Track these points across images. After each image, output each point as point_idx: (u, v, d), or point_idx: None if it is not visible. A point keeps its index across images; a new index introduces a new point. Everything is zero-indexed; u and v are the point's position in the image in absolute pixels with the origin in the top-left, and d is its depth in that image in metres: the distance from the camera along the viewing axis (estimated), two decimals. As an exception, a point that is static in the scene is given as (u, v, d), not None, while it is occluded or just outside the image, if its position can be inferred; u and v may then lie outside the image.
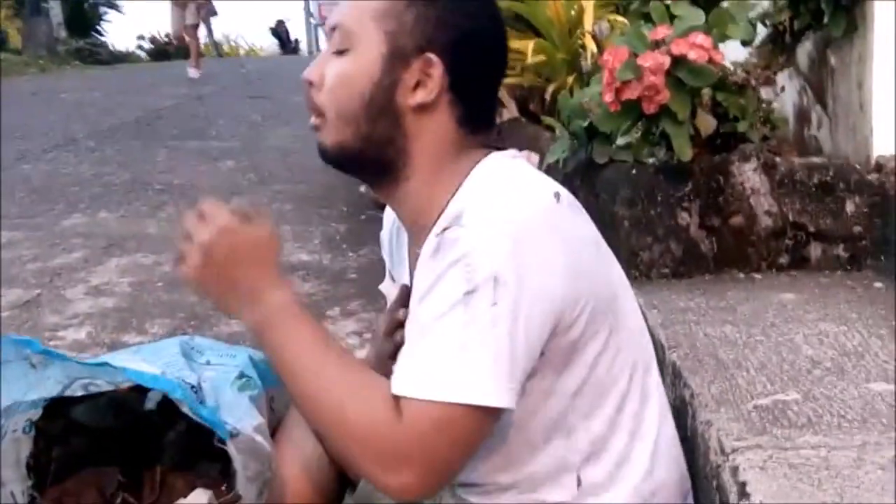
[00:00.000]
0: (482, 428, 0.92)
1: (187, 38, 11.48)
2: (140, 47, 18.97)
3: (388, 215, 1.27)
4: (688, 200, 2.08)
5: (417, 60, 1.03)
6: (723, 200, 2.09)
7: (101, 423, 1.48)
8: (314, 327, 1.02)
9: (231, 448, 1.19)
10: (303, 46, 23.61)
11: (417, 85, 1.03)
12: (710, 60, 2.01)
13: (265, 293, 1.01)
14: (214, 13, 12.41)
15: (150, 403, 1.46)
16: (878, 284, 1.88)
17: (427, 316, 0.92)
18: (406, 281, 1.19)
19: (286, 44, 22.55)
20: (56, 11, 16.53)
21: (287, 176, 4.92)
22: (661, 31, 2.04)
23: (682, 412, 1.28)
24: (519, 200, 0.96)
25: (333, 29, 1.07)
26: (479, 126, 1.08)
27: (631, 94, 2.03)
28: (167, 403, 1.42)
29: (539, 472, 1.03)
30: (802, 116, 2.52)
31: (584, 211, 1.06)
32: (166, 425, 1.49)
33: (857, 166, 2.08)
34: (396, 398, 0.91)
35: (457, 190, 1.02)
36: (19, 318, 2.69)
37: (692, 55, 1.99)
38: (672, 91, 2.02)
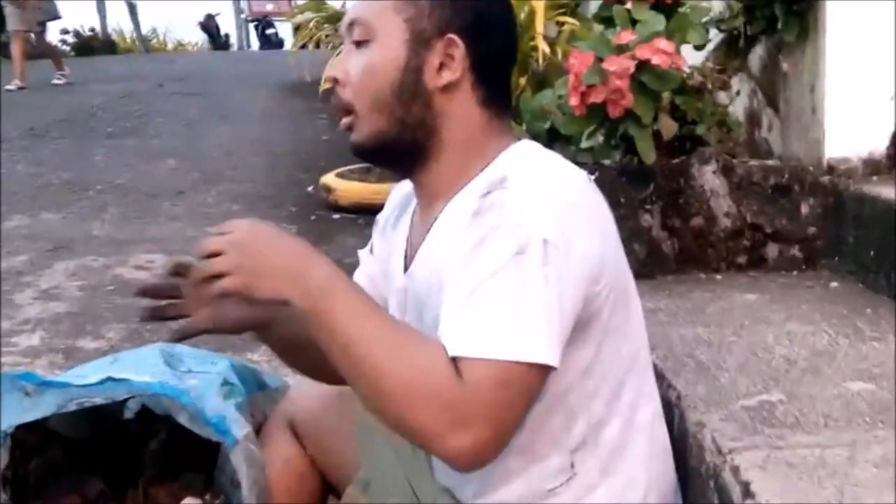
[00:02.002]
0: (536, 387, 0.93)
1: (12, 44, 9.60)
2: (63, 42, 18.46)
3: (393, 198, 1.28)
4: (650, 202, 2.13)
5: (439, 42, 1.06)
6: (683, 202, 2.14)
7: (78, 433, 1.45)
8: (363, 295, 1.00)
9: (237, 457, 1.18)
10: (233, 42, 23.26)
11: (441, 66, 1.06)
12: (673, 65, 2.06)
13: (309, 268, 0.98)
14: (54, 17, 10.74)
15: (129, 413, 1.43)
16: (834, 284, 1.95)
17: (475, 276, 0.92)
18: (399, 246, 1.19)
19: (216, 39, 22.16)
20: (-24, 5, 15.95)
21: (232, 175, 4.85)
22: (625, 36, 2.08)
23: (668, 413, 1.31)
24: (561, 172, 1.01)
25: (351, 25, 1.09)
26: (501, 109, 1.11)
27: (596, 97, 2.06)
28: (146, 413, 1.40)
29: (530, 446, 1.03)
30: (753, 119, 2.59)
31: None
32: (146, 435, 1.47)
33: (811, 168, 2.16)
34: (454, 359, 0.90)
35: (482, 169, 1.06)
36: (-33, 324, 2.61)
37: (656, 60, 2.03)
38: (636, 95, 2.06)
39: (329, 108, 7.10)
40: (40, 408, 1.22)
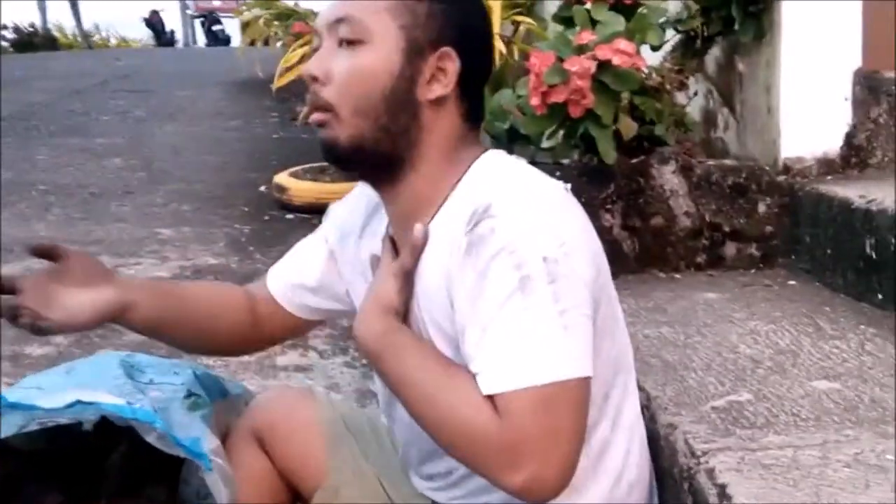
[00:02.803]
0: (580, 400, 0.93)
1: None
2: (2, 37, 18.00)
3: (358, 201, 1.25)
4: (611, 202, 2.14)
5: (433, 54, 1.04)
6: (643, 202, 2.16)
7: (34, 446, 1.40)
8: (418, 343, 1.04)
9: (212, 478, 1.14)
10: (179, 38, 22.91)
11: (432, 79, 1.04)
12: (633, 66, 2.07)
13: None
14: None
15: (88, 425, 1.39)
16: (791, 282, 1.98)
17: (486, 311, 0.92)
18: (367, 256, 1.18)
19: (161, 35, 21.81)
20: None
21: (181, 175, 4.76)
22: (585, 36, 2.08)
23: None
24: (540, 185, 1.01)
25: (338, 22, 1.05)
26: (477, 121, 1.11)
27: (557, 97, 2.06)
28: (106, 424, 1.36)
29: None
30: (709, 119, 2.62)
31: None
32: (107, 446, 1.43)
33: (767, 168, 2.18)
34: (489, 398, 0.90)
35: (458, 181, 1.05)
36: None
37: (616, 60, 2.04)
38: (597, 95, 2.07)
39: (281, 106, 7.04)
40: (1, 429, 1.17)
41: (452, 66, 1.04)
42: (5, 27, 17.82)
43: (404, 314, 1.07)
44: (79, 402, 1.18)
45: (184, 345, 1.36)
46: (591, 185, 2.13)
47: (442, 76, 1.04)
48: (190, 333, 1.29)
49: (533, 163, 2.19)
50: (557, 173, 2.14)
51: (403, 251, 1.06)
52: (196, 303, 1.29)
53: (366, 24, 1.03)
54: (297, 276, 1.31)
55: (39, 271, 1.18)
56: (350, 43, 1.04)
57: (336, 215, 1.30)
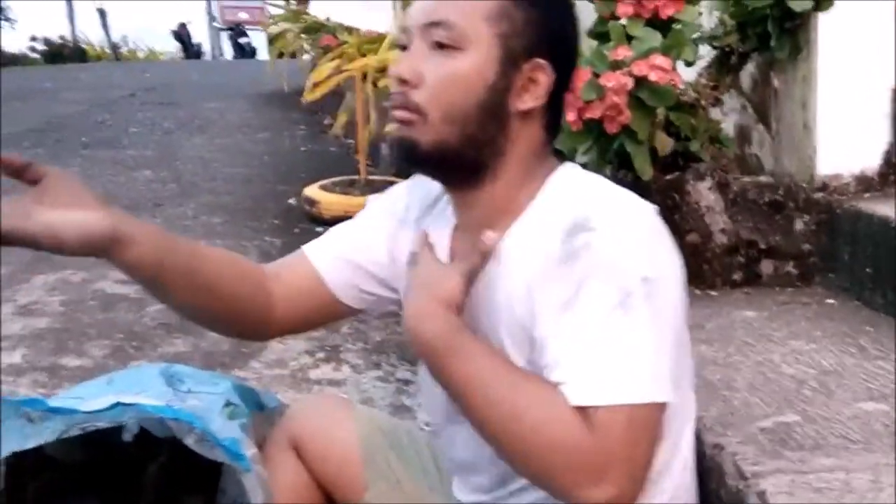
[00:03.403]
0: (657, 426, 0.93)
1: None
2: (33, 49, 18.26)
3: (412, 191, 1.22)
4: (646, 218, 2.13)
5: (527, 64, 1.02)
6: (679, 218, 2.14)
7: (73, 457, 1.41)
8: (487, 346, 0.99)
9: (251, 481, 1.15)
10: (205, 50, 23.14)
11: (522, 89, 1.03)
12: (669, 81, 2.06)
13: (424, 321, 0.98)
14: None
15: (128, 435, 1.40)
16: (829, 301, 1.96)
17: (583, 324, 0.91)
18: (439, 248, 1.13)
19: (189, 48, 22.04)
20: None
21: (210, 187, 4.79)
22: (621, 52, 2.08)
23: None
24: (635, 205, 0.98)
25: (434, 25, 1.02)
26: (556, 133, 1.09)
27: (593, 113, 2.06)
28: (145, 435, 1.37)
29: None
30: (743, 135, 2.60)
31: None
32: (145, 458, 1.44)
33: (804, 185, 2.17)
34: (580, 408, 0.89)
35: (537, 192, 1.04)
36: (-54, 341, 2.54)
37: (653, 76, 2.04)
38: (633, 111, 2.06)
39: (309, 118, 7.08)
40: (42, 434, 1.18)
41: (545, 77, 1.03)
42: (35, 39, 18.09)
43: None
44: (119, 403, 1.18)
45: (181, 302, 1.14)
46: (626, 201, 2.12)
47: (533, 87, 1.03)
48: (191, 290, 1.11)
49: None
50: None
51: (473, 254, 1.02)
52: (205, 258, 1.14)
53: (463, 30, 1.01)
54: (351, 253, 1.23)
55: (14, 196, 0.98)
56: (444, 47, 1.02)
57: (393, 201, 1.26)
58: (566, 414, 0.88)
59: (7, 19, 18.65)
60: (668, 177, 2.20)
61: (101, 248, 1.00)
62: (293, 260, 1.25)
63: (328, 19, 5.32)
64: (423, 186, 1.20)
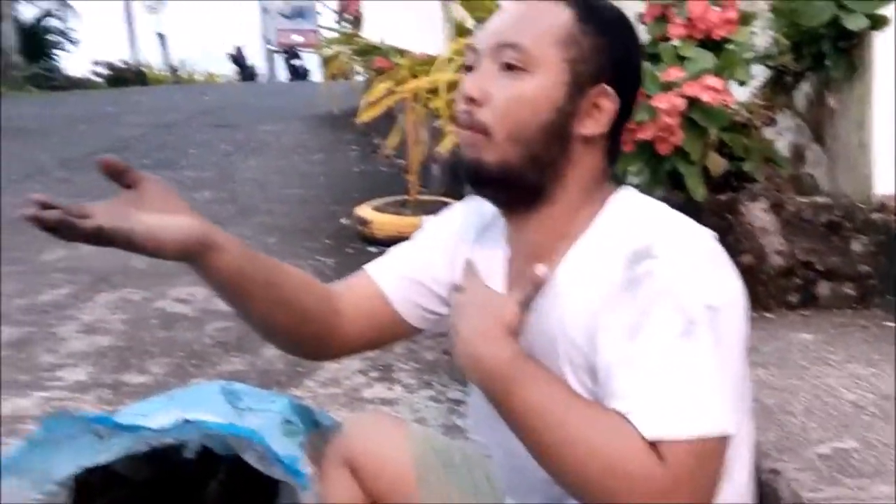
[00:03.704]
0: (723, 455, 0.92)
1: None
2: (96, 73, 18.76)
3: (465, 214, 1.24)
4: (699, 239, 2.12)
5: (593, 90, 1.03)
6: (733, 239, 2.13)
7: (139, 474, 1.45)
8: (549, 373, 0.98)
9: (308, 498, 1.17)
10: (260, 72, 23.56)
11: (585, 115, 1.03)
12: (722, 102, 2.06)
13: (488, 351, 0.97)
14: None
15: (190, 453, 1.43)
16: (889, 323, 1.93)
17: (648, 353, 0.91)
18: (494, 272, 1.14)
19: (244, 70, 22.48)
20: (8, 34, 16.29)
21: (267, 207, 4.88)
22: (673, 73, 2.08)
23: (735, 458, 1.29)
24: (696, 231, 0.98)
25: (504, 46, 1.03)
26: (616, 159, 1.09)
27: (645, 134, 2.07)
28: (205, 453, 1.40)
29: None
30: (797, 155, 2.58)
31: None
32: (205, 475, 1.47)
33: (861, 205, 2.14)
34: (650, 442, 0.88)
35: (593, 218, 1.04)
36: (14, 357, 2.62)
37: (705, 97, 2.04)
38: (686, 132, 2.06)
39: (361, 139, 7.16)
40: (111, 450, 1.21)
41: (610, 104, 1.03)
42: (98, 63, 18.59)
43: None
44: (184, 420, 1.21)
45: (257, 313, 1.15)
46: (679, 222, 2.12)
47: (598, 113, 1.03)
48: (268, 303, 1.13)
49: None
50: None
51: (527, 285, 1.00)
52: (284, 273, 1.16)
53: (533, 53, 1.02)
54: (413, 272, 1.24)
55: (112, 199, 1.01)
56: (513, 68, 1.03)
57: (451, 222, 1.27)
58: (638, 446, 0.88)
59: (71, 41, 19.21)
60: (722, 197, 2.20)
61: (196, 253, 1.03)
62: (357, 280, 1.27)
63: (381, 42, 5.39)
64: (477, 209, 1.22)
